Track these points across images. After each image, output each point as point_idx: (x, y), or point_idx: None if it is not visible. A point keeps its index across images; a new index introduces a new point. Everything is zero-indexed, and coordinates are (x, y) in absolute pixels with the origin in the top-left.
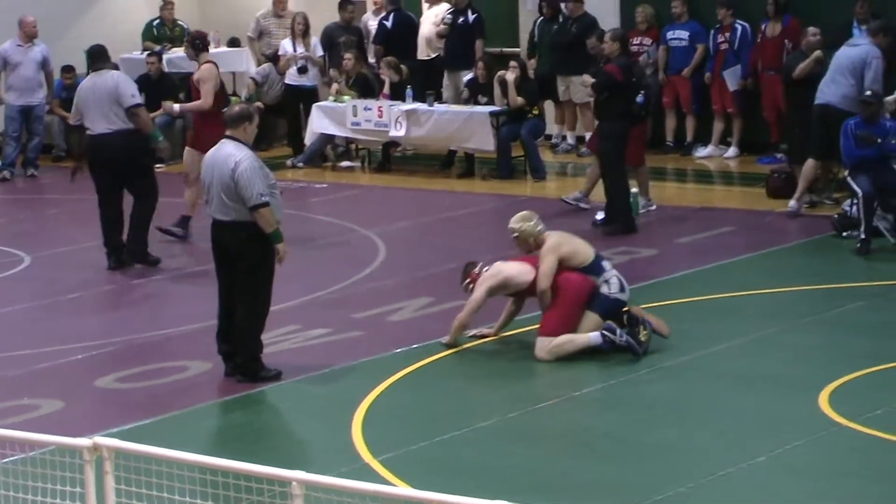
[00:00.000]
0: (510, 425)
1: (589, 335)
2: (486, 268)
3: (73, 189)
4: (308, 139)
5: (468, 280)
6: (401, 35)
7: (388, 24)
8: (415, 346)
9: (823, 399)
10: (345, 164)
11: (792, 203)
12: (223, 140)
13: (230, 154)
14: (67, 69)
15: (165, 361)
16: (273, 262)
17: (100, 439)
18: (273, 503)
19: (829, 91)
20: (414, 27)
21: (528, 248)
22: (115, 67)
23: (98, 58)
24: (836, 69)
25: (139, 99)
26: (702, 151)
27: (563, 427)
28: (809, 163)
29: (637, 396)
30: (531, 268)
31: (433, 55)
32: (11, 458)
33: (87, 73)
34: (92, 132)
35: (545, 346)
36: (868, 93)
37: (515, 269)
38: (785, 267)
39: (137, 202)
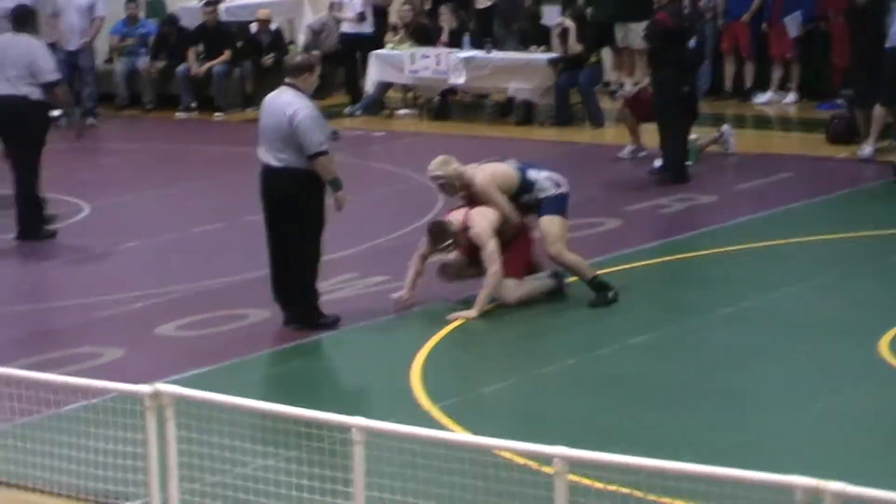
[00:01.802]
0: (568, 372)
1: (547, 280)
2: (457, 222)
3: (133, 138)
4: (369, 87)
5: (449, 241)
6: None
7: None
8: (474, 293)
9: (884, 345)
10: (403, 111)
11: (867, 149)
12: (282, 87)
13: (289, 102)
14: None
15: (225, 309)
16: (323, 209)
17: (161, 386)
18: (333, 449)
19: None
20: None
21: (455, 191)
22: (36, 32)
23: (20, 21)
24: None
25: (58, 73)
26: (761, 97)
27: (621, 374)
28: (878, 109)
29: (695, 343)
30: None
31: (490, 3)
32: (74, 406)
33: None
34: None
35: (513, 291)
36: None
37: (494, 212)
38: (845, 213)
39: (16, 173)
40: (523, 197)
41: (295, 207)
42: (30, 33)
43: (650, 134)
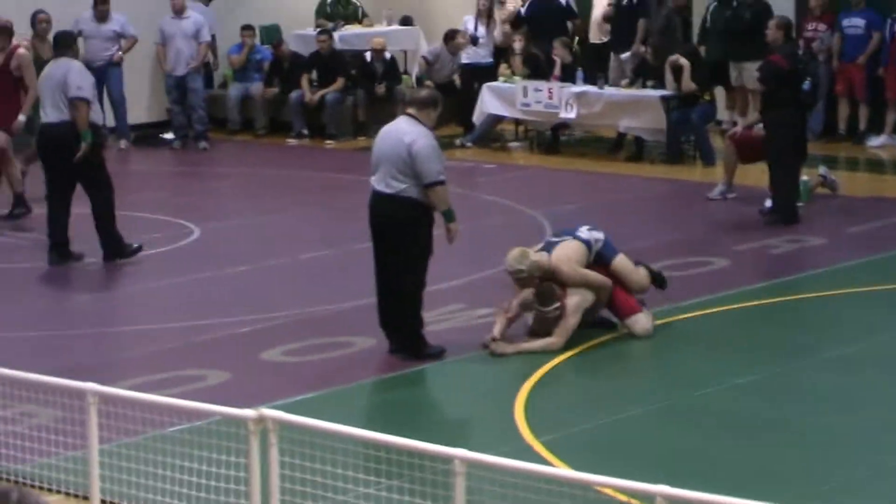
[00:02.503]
0: (672, 410)
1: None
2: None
3: (244, 163)
4: (477, 119)
5: (558, 304)
6: (539, 19)
7: (523, 9)
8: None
9: None
10: (514, 144)
11: None
12: (402, 117)
13: (407, 131)
14: (247, 27)
15: (331, 336)
16: (431, 239)
17: (265, 411)
18: (435, 480)
19: None
20: (554, 10)
21: (535, 283)
22: (76, 56)
23: (60, 44)
24: None
25: (85, 93)
26: (875, 141)
27: (726, 413)
28: None
29: (803, 385)
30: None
31: (605, 38)
32: (178, 427)
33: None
34: (44, 120)
35: (647, 323)
36: None
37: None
38: None
39: (90, 196)
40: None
41: (403, 235)
42: (70, 56)
43: (755, 174)
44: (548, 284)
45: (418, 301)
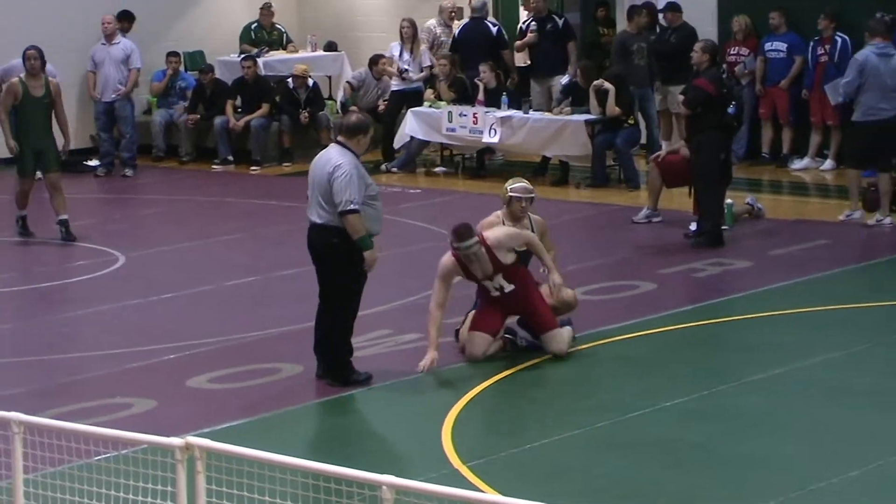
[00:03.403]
0: (598, 434)
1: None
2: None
3: (169, 190)
4: (398, 143)
5: (475, 240)
6: (469, 45)
7: (457, 32)
8: (504, 352)
9: None
10: (438, 169)
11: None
12: (331, 144)
13: (331, 158)
14: (172, 54)
15: (258, 363)
16: (361, 268)
17: (192, 439)
18: None
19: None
20: (484, 38)
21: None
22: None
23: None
24: (882, 85)
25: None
26: (798, 163)
27: (651, 437)
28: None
29: (727, 408)
30: None
31: (528, 62)
32: (104, 456)
33: None
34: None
35: (562, 343)
36: None
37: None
38: (880, 281)
39: None
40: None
41: (332, 263)
42: None
43: (680, 198)
44: (461, 223)
45: (347, 329)
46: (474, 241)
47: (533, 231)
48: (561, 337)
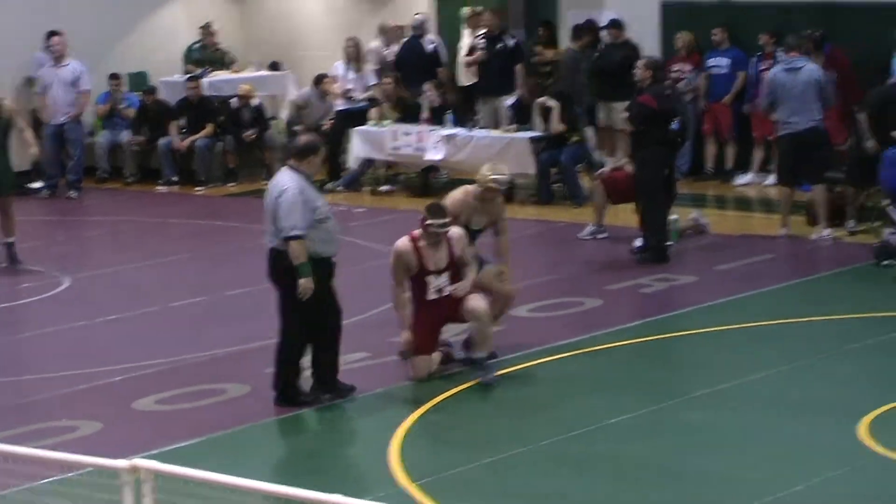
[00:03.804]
0: (546, 451)
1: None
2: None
3: (114, 211)
4: (351, 163)
5: (447, 220)
6: (408, 65)
7: (395, 52)
8: (453, 370)
9: (863, 428)
10: (384, 188)
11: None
12: (283, 168)
13: (279, 183)
14: (114, 76)
15: (204, 384)
16: (316, 293)
17: (138, 461)
18: None
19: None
20: (422, 57)
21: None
22: None
23: None
24: (801, 95)
25: None
26: (742, 179)
27: (600, 454)
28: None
29: (675, 423)
30: None
31: (473, 81)
32: (49, 479)
33: None
34: None
35: (424, 368)
36: None
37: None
38: (825, 295)
39: None
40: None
41: (279, 285)
42: None
43: (625, 214)
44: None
45: (293, 350)
46: (448, 220)
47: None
48: (478, 300)
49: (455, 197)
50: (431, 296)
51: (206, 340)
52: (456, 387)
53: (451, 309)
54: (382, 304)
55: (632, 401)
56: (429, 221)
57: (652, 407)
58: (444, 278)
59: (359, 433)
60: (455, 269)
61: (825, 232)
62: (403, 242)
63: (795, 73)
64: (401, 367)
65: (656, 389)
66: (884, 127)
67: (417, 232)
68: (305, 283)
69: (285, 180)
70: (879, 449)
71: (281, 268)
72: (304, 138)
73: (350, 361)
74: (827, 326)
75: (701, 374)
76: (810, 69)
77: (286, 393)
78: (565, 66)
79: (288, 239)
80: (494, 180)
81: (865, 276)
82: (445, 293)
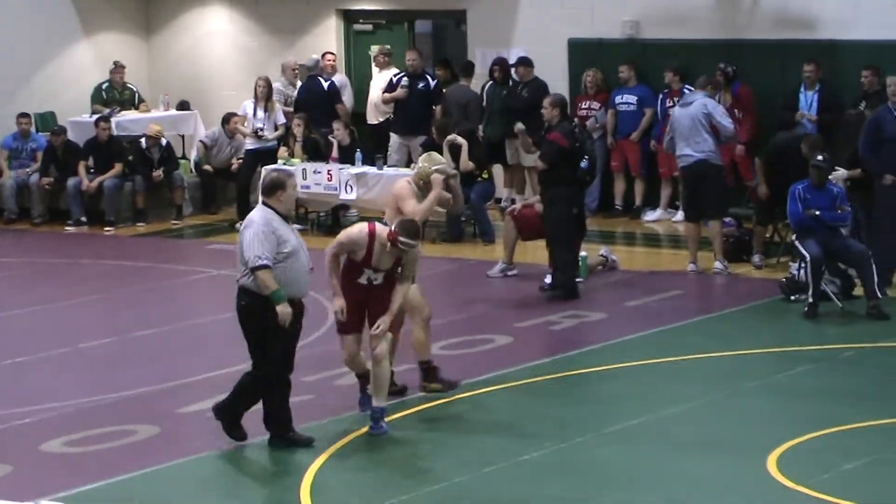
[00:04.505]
0: (457, 490)
1: None
2: None
3: (21, 252)
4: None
5: (416, 243)
6: (309, 103)
7: (295, 92)
8: (363, 410)
9: (772, 463)
10: (294, 227)
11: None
12: (257, 205)
13: (248, 218)
14: (23, 115)
15: (114, 425)
16: (275, 331)
17: (46, 503)
18: None
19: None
20: (321, 94)
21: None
22: None
23: None
24: (687, 128)
25: None
26: (650, 215)
27: (510, 492)
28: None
29: (585, 460)
30: None
31: (381, 119)
32: None
33: None
34: None
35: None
36: (819, 157)
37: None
38: (734, 330)
39: None
40: None
41: (243, 325)
42: None
43: (535, 251)
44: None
45: (253, 391)
46: (417, 244)
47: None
48: (385, 338)
49: (402, 189)
50: (361, 280)
51: (116, 381)
52: (366, 427)
53: (372, 304)
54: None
55: (543, 438)
56: (401, 239)
57: (563, 444)
58: (379, 276)
59: (269, 473)
60: (390, 275)
61: (717, 265)
62: (361, 231)
63: (687, 107)
64: (311, 407)
65: (568, 426)
66: (780, 174)
67: (378, 227)
68: (282, 310)
69: (253, 216)
70: (789, 483)
71: (238, 304)
72: (269, 177)
73: (261, 402)
74: (736, 362)
75: (612, 410)
76: (700, 103)
77: (229, 423)
78: (478, 104)
79: (254, 270)
80: (439, 170)
81: (774, 311)
82: (374, 283)
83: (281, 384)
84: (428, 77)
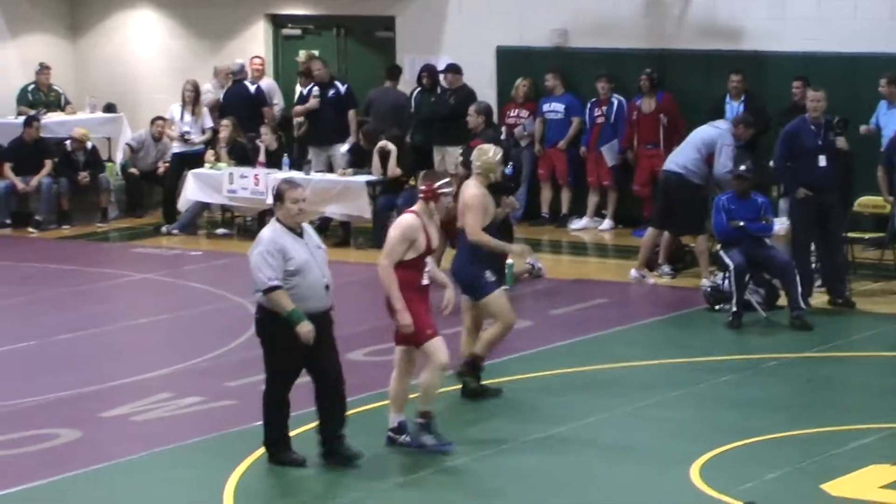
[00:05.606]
0: (379, 498)
1: None
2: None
3: None
4: (182, 206)
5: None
6: (234, 107)
7: (222, 95)
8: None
9: (695, 472)
10: (220, 231)
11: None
12: (271, 220)
13: (258, 237)
14: None
15: (34, 429)
16: (288, 350)
17: None
18: None
19: (676, 158)
20: (246, 98)
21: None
22: None
23: None
24: (689, 140)
25: None
26: (577, 223)
27: (431, 499)
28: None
29: (508, 468)
30: None
31: (297, 133)
32: None
33: None
34: None
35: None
36: (743, 167)
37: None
38: (658, 339)
39: None
40: None
41: (263, 343)
42: None
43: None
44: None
45: (269, 409)
46: (449, 180)
47: None
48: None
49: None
50: (425, 280)
51: (37, 385)
52: (292, 431)
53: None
54: (220, 348)
55: (464, 445)
56: (436, 185)
57: (486, 451)
58: (430, 261)
59: (191, 479)
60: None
61: (632, 272)
62: (406, 219)
63: (712, 126)
64: (235, 412)
65: (490, 434)
66: None
67: (416, 207)
68: (300, 329)
69: (263, 233)
70: (712, 492)
71: (257, 318)
72: (276, 185)
73: (183, 406)
74: (660, 371)
75: (535, 418)
76: (722, 132)
77: (270, 451)
78: (408, 109)
79: (266, 292)
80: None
81: (699, 320)
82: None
83: (337, 397)
84: (337, 84)
